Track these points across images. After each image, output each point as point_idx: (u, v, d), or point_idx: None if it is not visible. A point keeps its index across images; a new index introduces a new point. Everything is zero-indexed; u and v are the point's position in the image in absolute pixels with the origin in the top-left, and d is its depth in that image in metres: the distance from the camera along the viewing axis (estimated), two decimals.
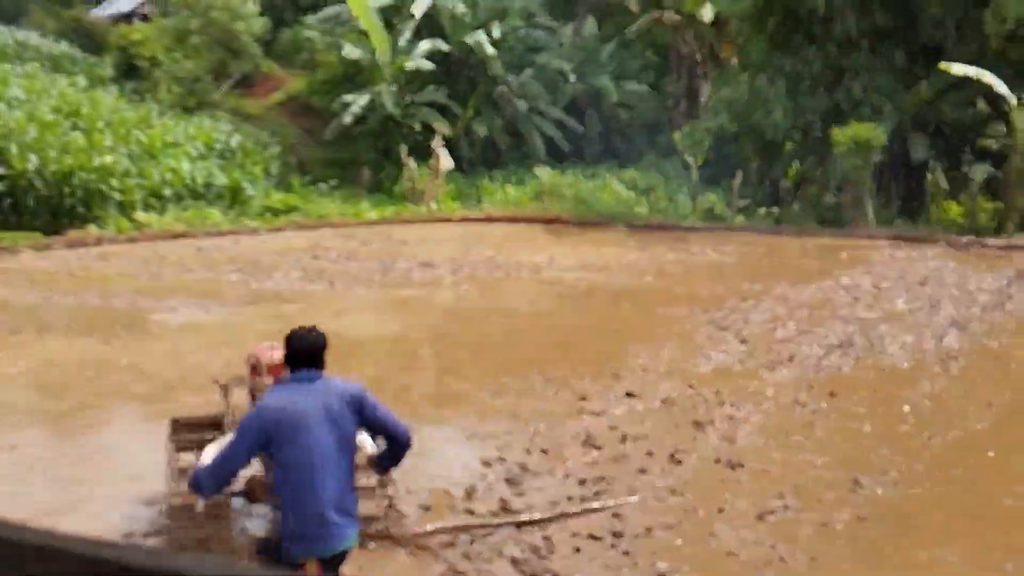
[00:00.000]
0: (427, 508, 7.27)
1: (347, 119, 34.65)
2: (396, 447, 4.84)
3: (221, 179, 29.18)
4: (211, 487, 4.57)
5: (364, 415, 4.67)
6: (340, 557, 4.60)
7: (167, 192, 27.25)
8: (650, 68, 43.14)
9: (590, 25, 41.42)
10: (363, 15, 34.99)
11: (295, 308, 15.31)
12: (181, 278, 18.41)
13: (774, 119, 27.66)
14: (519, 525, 6.97)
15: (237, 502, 6.65)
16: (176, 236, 24.60)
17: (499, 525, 6.97)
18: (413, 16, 36.57)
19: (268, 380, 6.06)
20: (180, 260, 20.82)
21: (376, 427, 4.77)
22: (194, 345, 12.72)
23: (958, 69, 25.51)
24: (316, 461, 4.50)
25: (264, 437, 4.49)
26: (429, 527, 6.87)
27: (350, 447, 4.66)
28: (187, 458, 6.67)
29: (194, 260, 20.92)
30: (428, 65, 34.91)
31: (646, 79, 42.56)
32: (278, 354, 5.89)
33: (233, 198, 29.14)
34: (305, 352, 4.67)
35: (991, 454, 8.70)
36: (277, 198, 29.54)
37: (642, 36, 38.94)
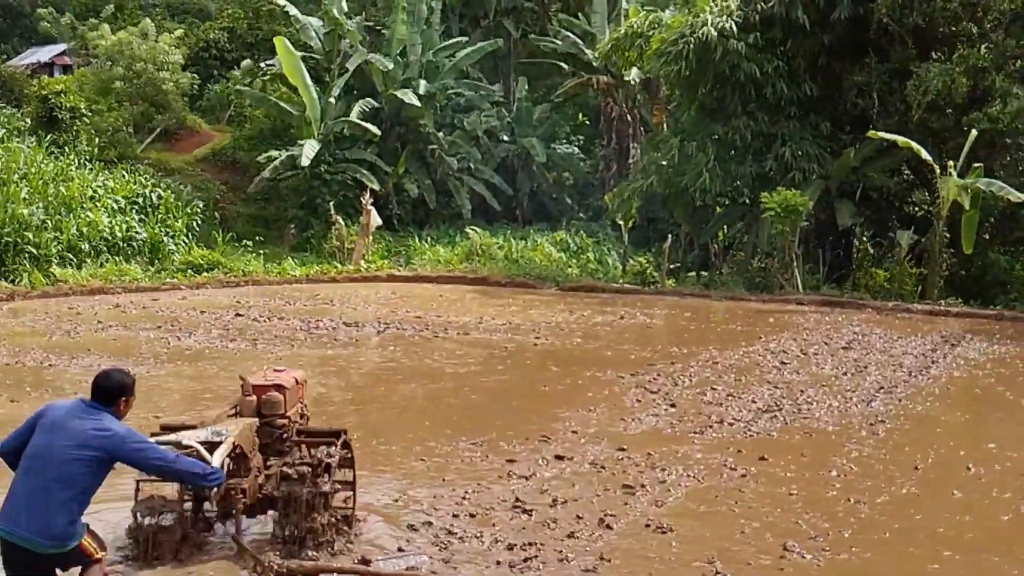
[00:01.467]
0: None
1: (267, 173, 34.30)
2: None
3: (141, 234, 28.52)
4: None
5: (115, 460, 5.44)
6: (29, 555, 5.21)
7: (84, 246, 26.57)
8: (580, 130, 43.63)
9: (522, 86, 41.78)
10: (292, 72, 34.83)
11: (215, 367, 14.84)
12: (96, 335, 17.80)
13: (703, 184, 27.94)
14: None
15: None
16: (93, 292, 23.94)
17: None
18: (345, 71, 36.52)
19: (300, 395, 8.08)
20: (96, 317, 20.18)
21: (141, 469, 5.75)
22: None
23: (888, 136, 26.12)
24: (33, 462, 5.30)
25: (29, 428, 5.50)
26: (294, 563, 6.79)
27: (80, 472, 5.29)
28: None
29: (111, 317, 20.30)
30: (358, 122, 34.76)
31: (577, 141, 43.00)
32: (282, 377, 7.81)
33: (153, 253, 28.54)
34: (97, 390, 5.52)
35: (918, 517, 8.60)
36: (199, 254, 28.96)
37: (573, 98, 39.33)
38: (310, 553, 7.09)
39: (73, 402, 5.51)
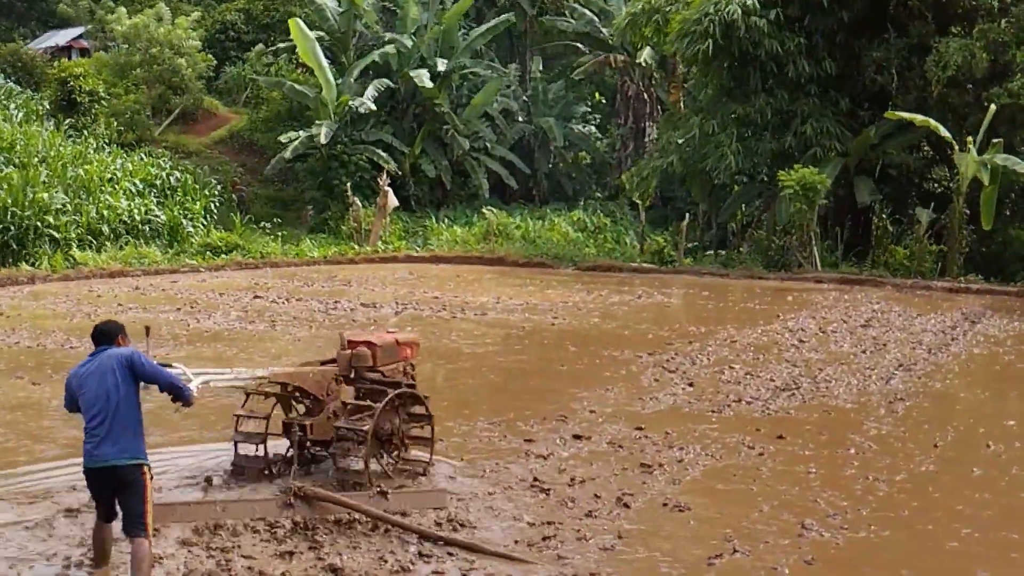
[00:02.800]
0: None
1: (287, 155, 34.32)
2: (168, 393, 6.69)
3: (160, 216, 28.61)
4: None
5: (135, 372, 6.43)
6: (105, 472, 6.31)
7: (104, 229, 26.67)
8: (597, 109, 43.45)
9: (537, 65, 41.61)
10: (307, 54, 34.81)
11: (234, 348, 14.91)
12: (116, 318, 17.83)
13: (727, 163, 27.84)
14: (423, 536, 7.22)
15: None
16: (113, 275, 24.06)
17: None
18: (364, 52, 36.45)
19: (407, 352, 8.94)
20: (116, 299, 20.30)
21: (148, 380, 6.55)
22: None
23: (907, 115, 25.91)
24: (97, 407, 6.32)
25: (70, 393, 6.51)
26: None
27: (120, 400, 6.32)
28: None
29: (131, 299, 20.42)
30: (372, 104, 34.71)
31: (593, 120, 42.83)
32: (382, 336, 8.88)
33: (172, 236, 28.62)
34: (95, 339, 6.63)
35: (937, 495, 8.57)
36: (218, 236, 29.04)
37: (589, 78, 39.13)
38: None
39: (85, 360, 6.60)
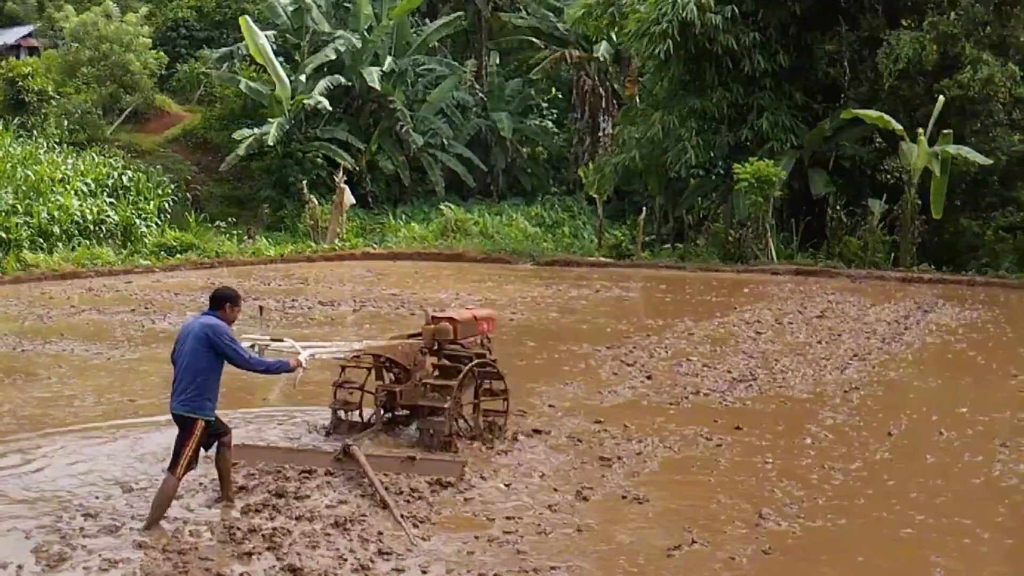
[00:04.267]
0: None
1: (240, 152, 34.02)
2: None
3: (113, 217, 28.23)
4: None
5: (212, 346, 7.32)
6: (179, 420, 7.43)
7: (56, 230, 26.25)
8: (554, 105, 43.48)
9: (493, 60, 41.54)
10: (257, 52, 34.53)
11: None
12: (69, 320, 17.65)
13: (688, 157, 28.04)
14: None
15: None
16: (65, 276, 23.71)
17: None
18: (315, 48, 36.19)
19: (485, 327, 10.00)
20: (69, 301, 20.01)
21: (222, 356, 7.39)
22: (80, 389, 12.10)
23: (860, 112, 26.23)
24: (177, 361, 7.49)
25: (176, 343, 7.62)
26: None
27: (196, 361, 7.32)
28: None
29: (84, 300, 20.14)
30: (326, 102, 34.50)
31: (550, 115, 42.85)
32: (462, 313, 9.91)
33: (126, 236, 28.23)
34: (210, 300, 7.62)
35: (891, 483, 8.68)
36: (172, 236, 28.70)
37: (545, 72, 39.15)
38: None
39: (197, 315, 7.72)
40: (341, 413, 9.75)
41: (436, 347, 9.58)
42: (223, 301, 7.55)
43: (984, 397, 12.17)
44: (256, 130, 34.21)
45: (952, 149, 25.68)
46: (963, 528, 7.56)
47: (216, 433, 7.63)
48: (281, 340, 8.32)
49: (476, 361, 9.45)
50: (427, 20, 41.85)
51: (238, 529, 7.15)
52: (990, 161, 25.57)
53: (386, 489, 7.94)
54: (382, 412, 9.67)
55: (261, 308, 8.27)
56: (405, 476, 8.37)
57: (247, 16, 35.42)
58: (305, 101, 34.30)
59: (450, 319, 9.61)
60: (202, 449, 7.52)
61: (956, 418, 10.99)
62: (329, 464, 8.50)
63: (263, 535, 7.06)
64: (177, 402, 7.40)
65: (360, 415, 9.77)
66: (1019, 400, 11.95)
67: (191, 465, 7.43)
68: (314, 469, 8.48)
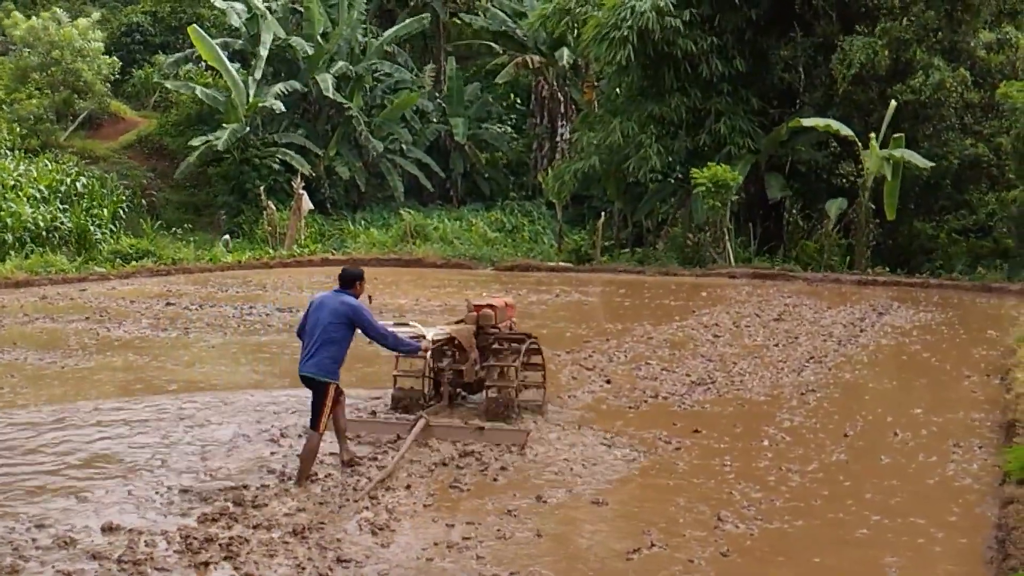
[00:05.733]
0: None
1: (194, 159, 33.77)
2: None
3: (67, 224, 27.86)
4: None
5: (354, 321, 8.44)
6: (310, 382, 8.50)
7: (8, 238, 25.89)
8: (513, 110, 43.54)
9: (451, 65, 41.50)
10: (211, 58, 34.28)
11: (146, 356, 14.60)
12: (22, 328, 17.40)
13: (651, 163, 28.18)
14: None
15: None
16: (18, 284, 23.39)
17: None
18: (262, 56, 35.96)
19: (512, 312, 11.58)
20: (22, 309, 19.73)
21: (363, 331, 8.55)
22: (33, 398, 11.91)
23: (809, 121, 26.54)
24: (310, 331, 8.49)
25: (306, 312, 8.69)
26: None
27: (333, 333, 8.37)
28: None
29: (37, 309, 19.87)
30: (281, 105, 34.32)
31: (509, 120, 42.89)
32: (495, 301, 11.19)
33: (80, 243, 27.87)
34: (340, 278, 8.68)
35: (847, 484, 8.76)
36: (127, 243, 28.40)
37: (509, 77, 39.14)
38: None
39: (329, 291, 8.69)
40: (401, 395, 10.87)
41: (478, 331, 10.81)
42: (353, 280, 8.66)
43: (938, 398, 12.33)
44: (209, 138, 33.95)
45: (898, 153, 26.03)
46: (917, 528, 7.65)
47: (336, 395, 8.65)
48: (405, 324, 9.86)
49: (530, 341, 10.89)
50: (386, 25, 41.75)
51: (194, 539, 7.07)
52: (931, 164, 25.93)
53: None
54: (449, 389, 10.81)
55: (370, 298, 9.62)
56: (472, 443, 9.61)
57: (195, 26, 35.13)
58: (261, 104, 34.07)
59: (491, 306, 10.97)
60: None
61: (911, 419, 11.12)
62: (404, 430, 9.74)
63: (220, 544, 6.98)
64: (312, 368, 8.39)
65: (423, 393, 10.86)
66: (972, 401, 12.11)
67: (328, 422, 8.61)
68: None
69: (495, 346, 10.82)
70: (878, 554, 7.14)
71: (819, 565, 7.00)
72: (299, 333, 8.73)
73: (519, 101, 43.55)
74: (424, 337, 9.55)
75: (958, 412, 11.46)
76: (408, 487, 8.42)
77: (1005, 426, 10.24)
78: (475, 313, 10.90)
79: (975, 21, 28.71)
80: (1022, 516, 7.03)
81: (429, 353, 10.17)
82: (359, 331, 8.59)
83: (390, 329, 9.09)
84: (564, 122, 38.73)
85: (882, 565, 6.94)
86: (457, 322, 11.17)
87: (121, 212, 30.87)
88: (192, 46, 37.70)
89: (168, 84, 38.15)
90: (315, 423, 8.49)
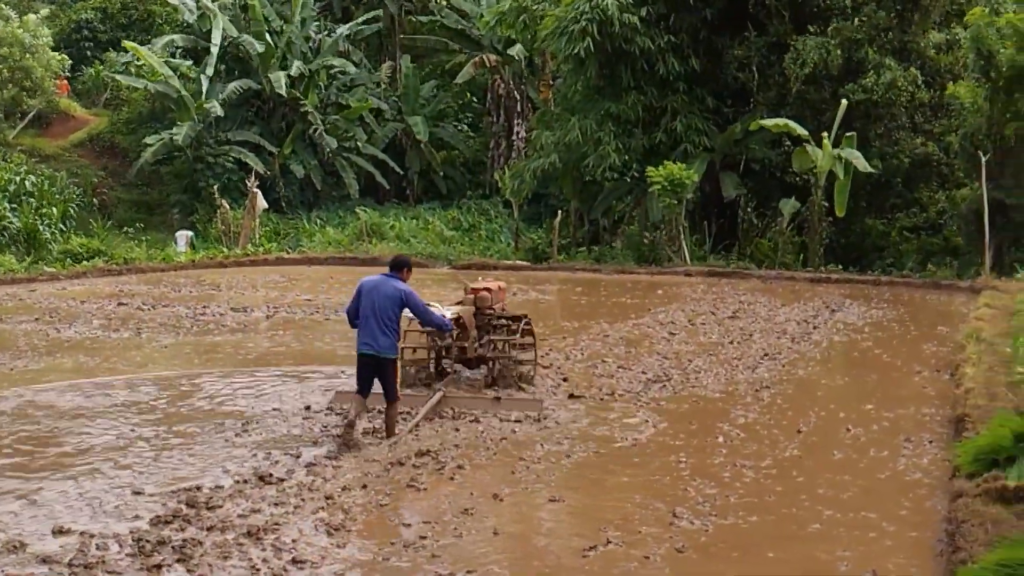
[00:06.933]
0: None
1: (148, 156, 33.41)
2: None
3: (15, 223, 27.39)
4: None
5: (405, 305, 9.61)
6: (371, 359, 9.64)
7: None
8: (469, 108, 43.50)
9: (406, 63, 41.37)
10: (158, 62, 33.94)
11: (97, 358, 14.40)
12: None
13: (610, 161, 28.24)
14: None
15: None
16: None
17: None
18: (223, 51, 35.67)
19: (503, 295, 12.91)
20: None
21: (415, 315, 9.99)
22: None
23: (768, 122, 26.78)
24: (369, 312, 9.52)
25: (357, 293, 9.70)
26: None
27: (391, 315, 9.52)
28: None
29: None
30: (219, 108, 34.01)
31: (466, 119, 42.86)
32: (490, 284, 12.60)
33: (29, 243, 27.41)
34: (390, 265, 9.84)
35: (801, 480, 8.85)
36: (78, 242, 27.98)
37: (468, 76, 39.06)
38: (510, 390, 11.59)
39: (379, 275, 9.74)
40: (411, 369, 11.87)
41: (476, 311, 11.92)
42: (402, 267, 9.79)
43: (889, 394, 12.48)
44: (163, 136, 33.59)
45: (845, 153, 26.34)
46: (869, 522, 7.74)
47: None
48: (431, 305, 10.58)
49: (525, 320, 12.14)
50: (339, 23, 41.54)
51: (147, 541, 6.98)
52: (868, 168, 26.26)
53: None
54: (454, 364, 11.96)
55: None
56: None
57: (131, 43, 34.80)
58: (205, 105, 33.74)
59: (487, 289, 12.18)
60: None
61: (862, 415, 11.26)
62: (421, 402, 10.79)
63: (173, 547, 6.91)
64: (378, 346, 9.46)
65: (428, 369, 12.01)
66: (923, 396, 12.28)
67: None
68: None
69: (493, 324, 12.07)
70: (830, 548, 7.23)
71: (773, 560, 7.06)
72: (349, 313, 9.75)
73: (475, 99, 43.51)
74: (446, 316, 10.68)
75: (909, 408, 11.62)
76: (364, 487, 8.39)
77: (954, 421, 10.40)
78: (473, 295, 12.04)
79: (925, 22, 29.14)
80: (971, 510, 7.13)
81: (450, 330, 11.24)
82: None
83: (434, 310, 10.39)
84: (520, 121, 38.74)
85: (835, 560, 7.02)
86: (458, 303, 12.17)
87: (72, 211, 30.43)
88: (143, 43, 37.29)
89: (121, 80, 37.68)
90: (391, 394, 9.67)
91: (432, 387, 11.50)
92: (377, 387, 9.74)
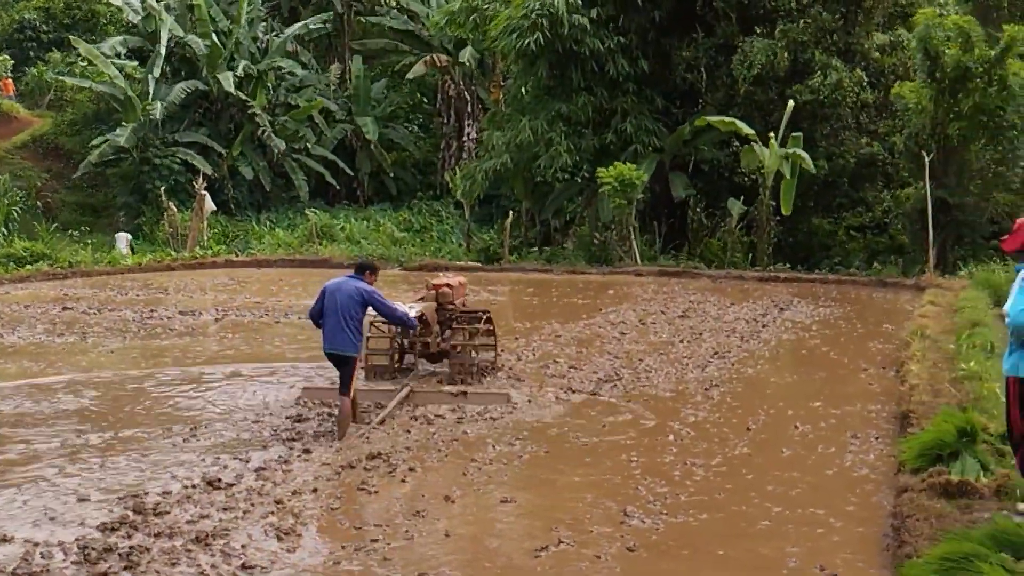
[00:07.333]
0: None
1: (93, 159, 32.93)
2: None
3: None
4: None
5: (369, 304, 10.03)
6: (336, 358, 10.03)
7: None
8: (420, 109, 43.40)
9: (357, 64, 41.17)
10: (104, 63, 33.45)
11: (42, 363, 14.16)
12: None
13: (562, 161, 28.29)
14: None
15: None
16: None
17: None
18: (170, 52, 35.26)
19: (464, 291, 13.53)
20: None
21: (380, 313, 10.52)
22: None
23: (715, 119, 27.00)
24: (332, 312, 9.88)
25: (321, 296, 10.03)
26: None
27: (354, 313, 9.90)
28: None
29: None
30: (158, 112, 33.62)
31: (416, 120, 42.74)
32: (450, 280, 13.17)
33: None
34: (355, 267, 10.23)
35: (750, 477, 8.92)
36: (21, 246, 27.49)
37: (417, 75, 38.95)
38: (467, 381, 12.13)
39: (343, 277, 10.16)
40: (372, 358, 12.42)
41: (438, 307, 12.45)
42: (366, 270, 10.20)
43: (836, 391, 12.64)
44: (107, 137, 33.12)
45: (791, 153, 26.63)
46: (817, 518, 7.83)
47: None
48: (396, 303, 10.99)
49: (486, 316, 12.64)
50: (287, 23, 41.24)
51: (93, 549, 6.88)
52: (813, 168, 26.59)
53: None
54: (416, 359, 12.64)
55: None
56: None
57: (81, 40, 34.27)
58: (148, 108, 33.31)
59: (448, 285, 12.71)
60: None
61: (810, 412, 11.39)
62: (386, 398, 11.18)
63: (120, 554, 6.82)
64: (340, 344, 9.86)
65: (392, 362, 12.59)
66: (869, 393, 12.45)
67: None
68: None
69: (454, 319, 12.52)
70: (780, 545, 7.30)
71: (723, 557, 7.12)
72: (313, 315, 10.15)
73: (426, 100, 43.42)
74: (408, 313, 10.97)
75: (855, 404, 11.77)
76: (315, 490, 8.33)
77: (900, 417, 10.55)
78: (435, 291, 12.52)
79: (868, 23, 29.55)
80: (916, 504, 7.24)
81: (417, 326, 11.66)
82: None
83: (398, 307, 10.71)
84: (471, 121, 38.73)
85: (784, 556, 7.09)
86: (420, 299, 12.63)
87: (15, 214, 29.91)
88: (88, 43, 36.73)
89: (66, 79, 37.09)
90: (346, 389, 9.92)
91: (399, 382, 11.88)
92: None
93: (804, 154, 26.41)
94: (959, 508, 7.12)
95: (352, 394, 10.02)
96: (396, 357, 12.77)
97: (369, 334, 12.09)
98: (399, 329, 12.24)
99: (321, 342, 10.14)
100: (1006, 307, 6.88)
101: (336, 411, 10.25)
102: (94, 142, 33.28)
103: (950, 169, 25.73)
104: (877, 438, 10.19)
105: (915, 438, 8.63)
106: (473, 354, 12.59)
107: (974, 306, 16.48)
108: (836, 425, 10.80)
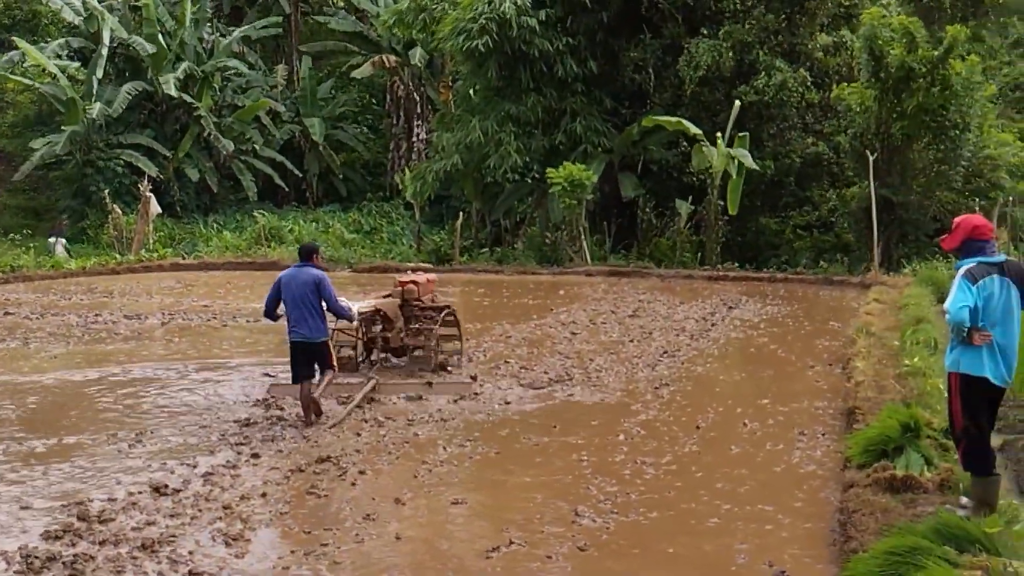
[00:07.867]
0: None
1: (34, 161, 32.38)
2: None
3: None
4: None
5: (319, 292, 10.27)
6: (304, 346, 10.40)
7: None
8: (369, 110, 43.22)
9: (305, 65, 40.88)
10: (46, 63, 32.89)
11: None
12: None
13: (512, 161, 28.30)
14: None
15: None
16: None
17: None
18: (112, 53, 34.75)
19: (431, 287, 13.75)
20: None
21: (324, 299, 10.34)
22: None
23: (662, 119, 27.19)
24: (293, 302, 10.22)
25: (277, 288, 10.36)
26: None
27: (312, 300, 10.22)
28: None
29: None
30: (97, 112, 33.14)
31: (366, 121, 42.56)
32: (417, 277, 13.42)
33: None
34: (300, 254, 10.58)
35: (700, 475, 8.98)
36: None
37: (365, 75, 38.78)
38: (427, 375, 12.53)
39: (293, 267, 10.48)
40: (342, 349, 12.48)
41: (403, 303, 12.88)
42: (311, 253, 10.48)
43: (784, 388, 12.77)
44: (53, 137, 32.59)
45: (735, 152, 26.91)
46: (765, 515, 7.90)
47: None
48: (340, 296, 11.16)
49: (447, 311, 13.09)
50: (234, 25, 40.83)
51: (36, 558, 6.75)
52: (755, 166, 26.89)
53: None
54: (379, 353, 13.07)
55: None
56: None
57: (23, 41, 33.67)
58: (88, 109, 32.82)
59: (413, 282, 13.08)
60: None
61: (758, 409, 11.49)
62: (356, 390, 11.52)
63: (63, 563, 6.69)
64: (308, 331, 10.23)
65: (356, 356, 12.79)
66: (816, 390, 12.59)
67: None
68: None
69: (417, 314, 12.92)
70: (729, 542, 7.35)
71: (672, 555, 7.15)
72: (268, 305, 10.45)
73: (375, 101, 43.24)
74: (351, 308, 11.24)
75: (803, 402, 11.90)
76: (264, 495, 8.24)
77: (846, 413, 10.68)
78: (400, 288, 12.95)
79: (812, 24, 29.93)
80: (862, 500, 7.33)
81: (357, 322, 12.02)
82: None
83: (342, 302, 10.83)
84: (420, 122, 38.64)
85: (732, 552, 7.13)
86: (385, 296, 13.10)
87: None
88: (29, 43, 36.07)
89: (10, 77, 36.39)
90: (327, 366, 10.48)
91: (364, 374, 12.33)
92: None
93: (745, 153, 26.67)
94: (904, 503, 7.22)
95: (336, 365, 10.71)
96: (362, 351, 13.02)
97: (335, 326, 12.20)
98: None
99: (286, 334, 10.49)
100: (946, 304, 6.99)
101: (300, 405, 10.57)
102: (33, 144, 32.69)
103: (894, 168, 26.12)
104: (824, 434, 10.31)
105: (861, 434, 8.74)
106: (438, 347, 12.95)
107: (918, 303, 16.74)
108: (784, 422, 10.91)
